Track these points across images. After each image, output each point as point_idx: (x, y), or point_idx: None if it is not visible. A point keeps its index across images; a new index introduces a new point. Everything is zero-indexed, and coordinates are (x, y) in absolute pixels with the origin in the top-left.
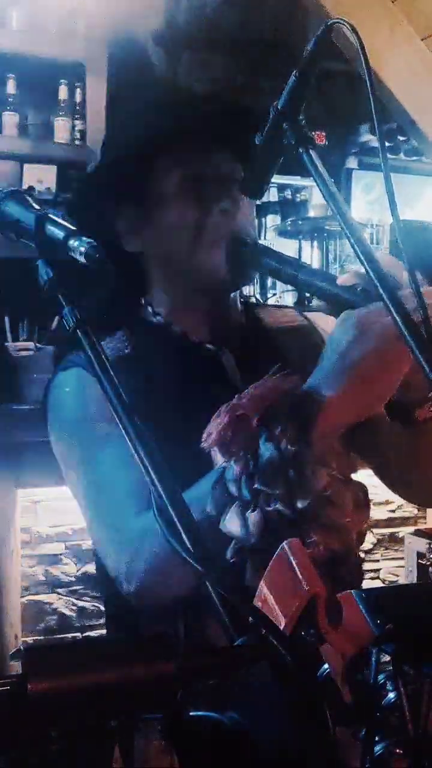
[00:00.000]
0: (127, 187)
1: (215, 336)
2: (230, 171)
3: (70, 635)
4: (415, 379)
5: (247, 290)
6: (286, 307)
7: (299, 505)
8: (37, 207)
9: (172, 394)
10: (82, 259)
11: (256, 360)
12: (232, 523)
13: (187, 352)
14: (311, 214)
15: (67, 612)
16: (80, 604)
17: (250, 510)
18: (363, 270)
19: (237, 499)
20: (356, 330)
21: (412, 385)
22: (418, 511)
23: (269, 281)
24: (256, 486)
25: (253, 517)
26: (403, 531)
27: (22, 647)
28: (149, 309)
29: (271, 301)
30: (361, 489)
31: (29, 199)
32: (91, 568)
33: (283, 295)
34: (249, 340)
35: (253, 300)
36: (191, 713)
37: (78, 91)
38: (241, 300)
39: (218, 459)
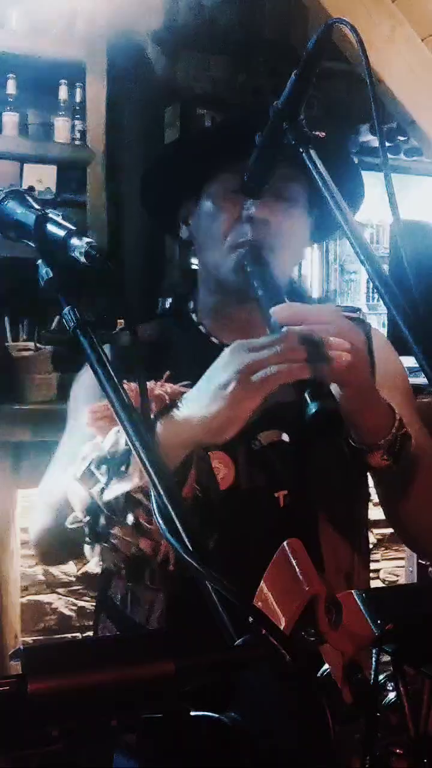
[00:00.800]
0: (185, 180)
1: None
2: (277, 180)
3: (70, 635)
4: (363, 424)
5: None
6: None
7: (105, 497)
8: (37, 207)
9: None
10: (82, 259)
11: None
12: (73, 497)
13: (208, 351)
14: None
15: (67, 612)
16: (80, 604)
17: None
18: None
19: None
20: (224, 359)
21: (361, 430)
22: None
23: None
24: (90, 468)
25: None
26: None
27: (21, 647)
28: (191, 305)
29: None
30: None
31: (29, 199)
32: (91, 568)
33: None
34: None
35: None
36: (191, 713)
37: (78, 91)
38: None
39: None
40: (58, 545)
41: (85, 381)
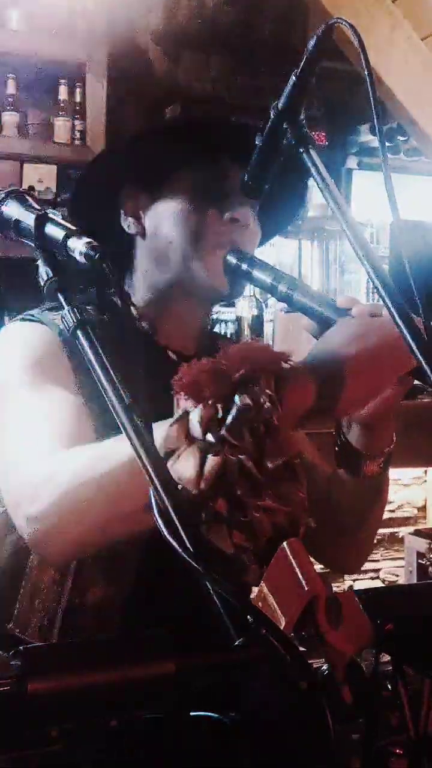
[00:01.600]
0: (141, 170)
1: (180, 345)
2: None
3: None
4: (384, 428)
5: (247, 290)
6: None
7: (269, 464)
8: (37, 207)
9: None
10: (81, 259)
11: None
12: (185, 464)
13: (149, 353)
14: (311, 214)
15: None
16: None
17: (211, 455)
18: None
19: (197, 441)
20: (358, 330)
21: (379, 433)
22: (418, 511)
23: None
24: (223, 433)
25: (212, 461)
26: (403, 531)
27: (21, 648)
28: (127, 301)
29: (270, 302)
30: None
31: (29, 199)
32: None
33: None
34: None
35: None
36: (191, 713)
37: (78, 91)
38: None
39: (182, 405)
40: (98, 540)
41: (48, 349)
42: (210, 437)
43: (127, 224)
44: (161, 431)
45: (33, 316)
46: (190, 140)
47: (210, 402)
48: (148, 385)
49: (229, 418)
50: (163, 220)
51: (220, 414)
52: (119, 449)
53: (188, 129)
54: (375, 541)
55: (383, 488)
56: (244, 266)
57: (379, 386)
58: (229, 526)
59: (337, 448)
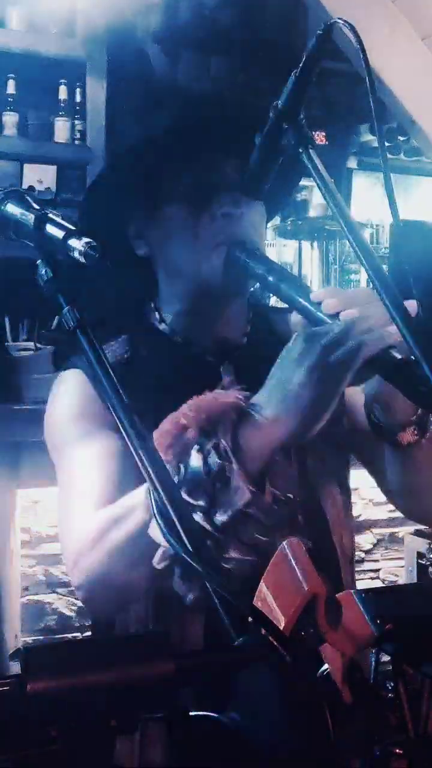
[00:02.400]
0: (135, 191)
1: (217, 346)
2: (237, 177)
3: (70, 635)
4: (396, 403)
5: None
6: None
7: (218, 519)
8: (37, 207)
9: (166, 403)
10: (81, 259)
11: (256, 371)
12: (156, 531)
13: (187, 363)
14: (311, 214)
15: (67, 612)
16: (80, 604)
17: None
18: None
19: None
20: (300, 350)
21: (393, 409)
22: None
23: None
24: (183, 495)
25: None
26: (403, 531)
27: (21, 647)
28: (156, 315)
29: (270, 302)
30: (306, 512)
31: (29, 199)
32: None
33: None
34: (252, 352)
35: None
36: (191, 713)
37: (78, 91)
38: (254, 304)
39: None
40: (126, 592)
41: (82, 394)
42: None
43: (137, 247)
44: (140, 497)
45: (72, 362)
46: (168, 145)
47: (174, 464)
48: (189, 395)
49: (185, 480)
50: (163, 233)
51: (183, 474)
52: (125, 511)
53: (166, 134)
54: (377, 540)
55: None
56: (242, 258)
57: (331, 404)
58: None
59: (370, 426)
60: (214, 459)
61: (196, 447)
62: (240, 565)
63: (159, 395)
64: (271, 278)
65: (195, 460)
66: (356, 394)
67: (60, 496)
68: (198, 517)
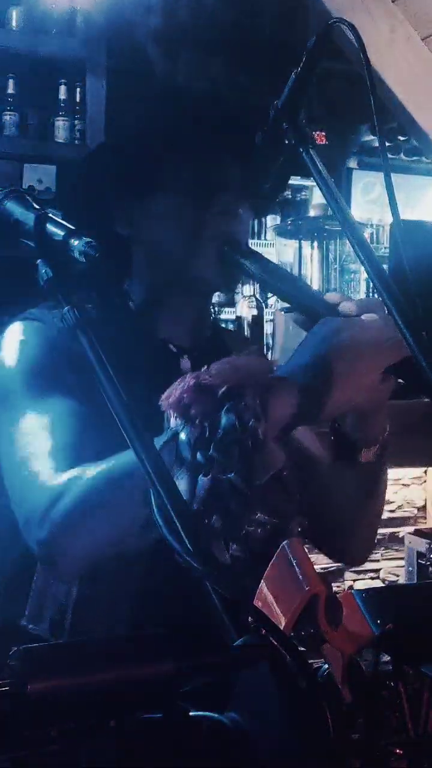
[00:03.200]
0: (130, 171)
1: (181, 338)
2: (235, 175)
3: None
4: (373, 417)
5: (248, 290)
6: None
7: (256, 480)
8: (37, 207)
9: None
10: (81, 258)
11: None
12: (177, 485)
13: (149, 346)
14: (311, 213)
15: None
16: None
17: (202, 475)
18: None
19: (187, 462)
20: (336, 332)
21: (372, 422)
22: (418, 511)
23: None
24: (211, 453)
25: (203, 482)
26: (403, 531)
27: (21, 647)
28: (128, 298)
29: (270, 302)
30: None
31: (29, 198)
32: None
33: None
34: (209, 356)
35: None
36: (191, 713)
37: (78, 91)
38: (214, 310)
39: (171, 423)
40: (117, 551)
41: (44, 349)
42: (199, 458)
43: (119, 226)
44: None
45: (33, 314)
46: (173, 137)
47: (197, 421)
48: (150, 377)
49: (217, 438)
50: (154, 221)
51: (207, 433)
52: (118, 471)
53: (167, 126)
54: (375, 541)
55: (381, 478)
56: (237, 257)
57: (360, 387)
58: (224, 539)
59: (332, 438)
60: (249, 418)
61: (227, 406)
62: (262, 528)
63: (119, 369)
64: (267, 277)
65: (227, 418)
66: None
67: (11, 451)
68: (232, 476)
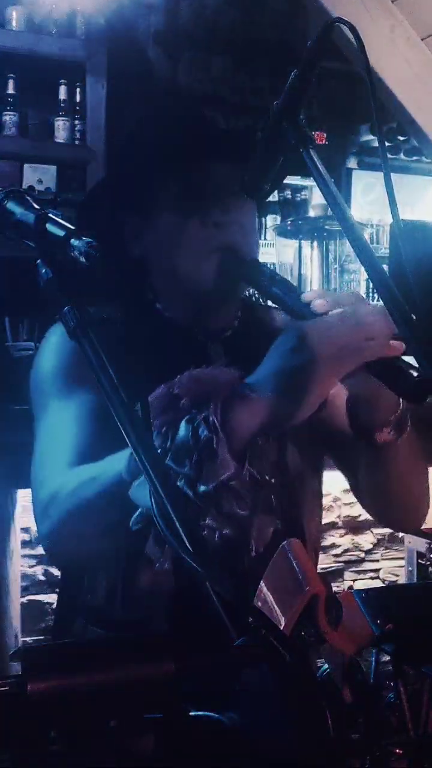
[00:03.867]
0: (130, 195)
1: (208, 328)
2: (228, 182)
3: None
4: (379, 401)
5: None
6: None
7: (201, 488)
8: (37, 207)
9: (152, 372)
10: (82, 259)
11: (245, 355)
12: (139, 492)
13: (175, 336)
14: (311, 213)
15: None
16: None
17: None
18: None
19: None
20: (297, 340)
21: (375, 407)
22: None
23: None
24: (167, 462)
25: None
26: None
27: (21, 647)
28: (151, 294)
29: (269, 302)
30: (280, 495)
31: (29, 199)
32: None
33: None
34: (240, 337)
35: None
36: (191, 713)
37: (78, 91)
38: (246, 299)
39: None
40: (93, 547)
41: (65, 361)
42: None
43: (131, 248)
44: (125, 458)
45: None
46: (164, 154)
47: (162, 431)
48: (180, 366)
49: (173, 447)
50: (158, 238)
51: (169, 442)
52: (103, 472)
53: (161, 143)
54: (377, 540)
55: (407, 455)
56: (234, 267)
57: (325, 393)
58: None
59: (349, 422)
60: (203, 430)
61: (186, 417)
62: (212, 534)
63: (146, 362)
64: (263, 283)
65: (184, 429)
66: (338, 391)
67: (37, 447)
68: (181, 483)
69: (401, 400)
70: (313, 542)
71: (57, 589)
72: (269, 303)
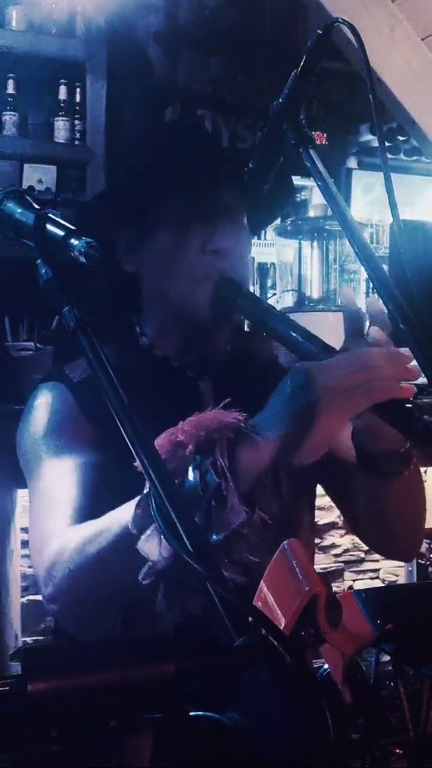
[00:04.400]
0: (128, 210)
1: (196, 363)
2: (234, 209)
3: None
4: (387, 433)
5: None
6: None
7: (213, 537)
8: (37, 207)
9: (145, 414)
10: (81, 259)
11: (236, 389)
12: (148, 545)
13: (167, 376)
14: (311, 214)
15: None
16: None
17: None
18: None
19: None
20: (304, 380)
21: (383, 438)
22: None
23: (269, 281)
24: (182, 496)
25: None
26: None
27: (21, 648)
28: (137, 329)
29: (270, 301)
30: (281, 530)
31: (29, 199)
32: None
33: (283, 295)
34: (232, 370)
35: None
36: (191, 713)
37: (78, 91)
38: (235, 331)
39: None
40: (103, 606)
41: (62, 409)
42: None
43: (124, 263)
44: (130, 510)
45: (53, 375)
46: (166, 173)
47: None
48: (169, 405)
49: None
50: (152, 256)
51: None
52: (106, 526)
53: (164, 163)
54: (422, 540)
55: (409, 486)
56: (231, 296)
57: (333, 434)
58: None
59: (356, 453)
60: (212, 477)
61: (193, 464)
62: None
63: (140, 405)
64: (258, 315)
65: (192, 476)
66: None
67: (33, 508)
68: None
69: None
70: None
71: None
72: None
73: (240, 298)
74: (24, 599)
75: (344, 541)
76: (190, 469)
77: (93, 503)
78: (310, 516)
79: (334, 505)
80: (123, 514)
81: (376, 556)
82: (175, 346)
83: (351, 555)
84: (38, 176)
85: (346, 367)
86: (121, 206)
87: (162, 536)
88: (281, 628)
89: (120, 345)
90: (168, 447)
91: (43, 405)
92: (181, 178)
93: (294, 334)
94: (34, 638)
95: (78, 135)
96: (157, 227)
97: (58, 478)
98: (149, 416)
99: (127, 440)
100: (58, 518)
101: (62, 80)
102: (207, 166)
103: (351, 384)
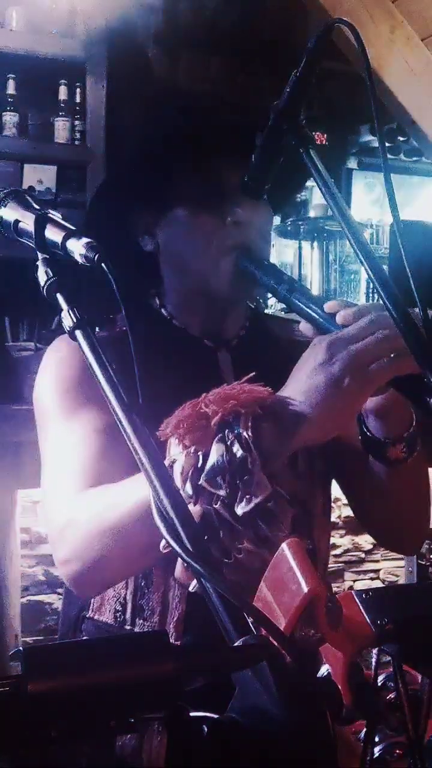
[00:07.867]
0: (145, 189)
1: (215, 335)
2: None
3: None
4: (392, 416)
5: None
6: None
7: (239, 510)
8: (37, 207)
9: (161, 381)
10: (81, 260)
11: (255, 364)
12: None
13: (185, 344)
14: (311, 214)
15: None
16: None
17: (191, 504)
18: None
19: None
20: (326, 355)
21: (389, 422)
22: None
23: None
24: (200, 483)
25: (192, 510)
26: None
27: (21, 648)
28: (156, 300)
29: (270, 302)
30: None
31: (29, 199)
32: None
33: None
34: (250, 346)
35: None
36: (191, 713)
37: (78, 91)
38: (252, 307)
39: (170, 450)
40: (118, 573)
41: (68, 379)
42: (188, 488)
43: (144, 243)
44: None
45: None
46: (181, 148)
47: (192, 451)
48: (188, 373)
49: (206, 468)
50: (171, 233)
51: (200, 462)
52: (128, 494)
53: (178, 137)
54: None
55: (415, 474)
56: (251, 269)
57: (356, 409)
58: (218, 565)
59: (360, 437)
60: (237, 449)
61: (218, 436)
62: (252, 558)
63: (154, 371)
64: (281, 289)
65: (217, 449)
66: None
67: (46, 468)
68: (218, 506)
69: (414, 416)
70: (322, 557)
71: (58, 590)
72: (274, 312)
73: (260, 270)
74: (24, 599)
75: (344, 541)
76: (215, 441)
77: (105, 466)
78: (323, 496)
79: (334, 505)
80: (142, 486)
81: (376, 557)
82: (195, 320)
83: (351, 555)
84: (38, 176)
85: (366, 340)
86: (136, 188)
87: None
88: (281, 628)
89: (138, 315)
90: (193, 417)
91: (55, 363)
92: (196, 153)
93: (315, 307)
94: (34, 638)
95: (78, 135)
96: (175, 204)
97: (70, 439)
98: (169, 382)
99: (127, 440)
100: (69, 482)
101: (62, 80)
102: (224, 136)
103: (373, 357)
